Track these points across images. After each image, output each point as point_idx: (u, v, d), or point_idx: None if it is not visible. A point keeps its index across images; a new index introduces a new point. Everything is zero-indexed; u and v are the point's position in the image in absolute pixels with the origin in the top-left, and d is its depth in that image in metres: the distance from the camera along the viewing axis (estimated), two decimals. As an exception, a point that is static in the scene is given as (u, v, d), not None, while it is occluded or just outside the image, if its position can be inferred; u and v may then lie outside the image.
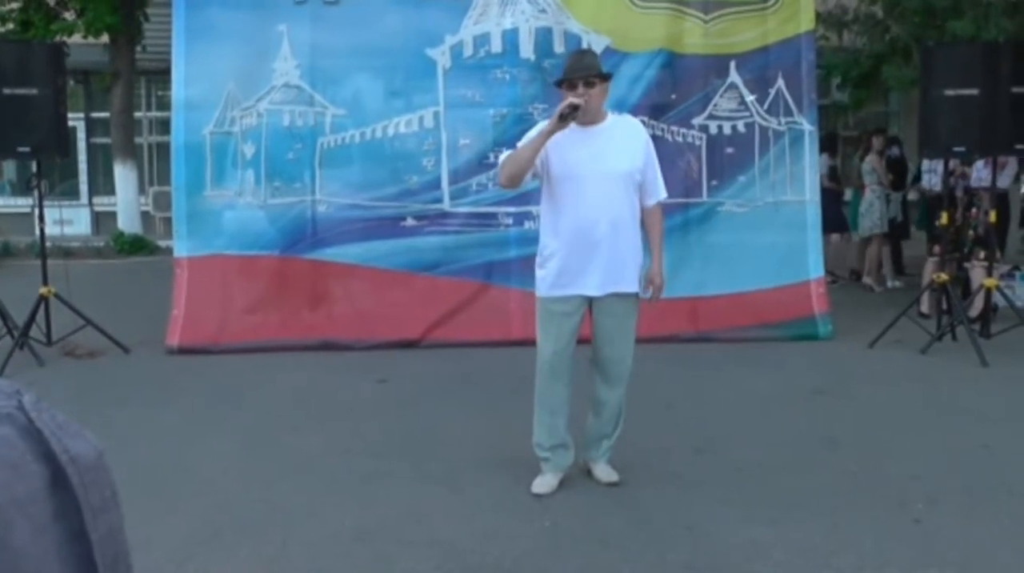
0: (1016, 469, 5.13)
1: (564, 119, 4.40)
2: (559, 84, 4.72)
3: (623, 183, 4.62)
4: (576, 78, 4.59)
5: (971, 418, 6.18)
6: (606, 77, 4.74)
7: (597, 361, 4.77)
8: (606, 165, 4.58)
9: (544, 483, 4.74)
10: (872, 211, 11.76)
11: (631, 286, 4.68)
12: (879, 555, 4.01)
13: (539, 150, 4.50)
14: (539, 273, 4.73)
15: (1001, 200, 9.70)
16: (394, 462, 5.24)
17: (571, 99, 4.42)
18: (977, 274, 9.11)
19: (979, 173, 9.70)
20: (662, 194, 4.83)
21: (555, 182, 4.59)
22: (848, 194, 12.68)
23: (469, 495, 4.74)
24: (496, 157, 8.42)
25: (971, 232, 9.56)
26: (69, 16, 16.22)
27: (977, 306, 8.81)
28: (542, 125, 4.62)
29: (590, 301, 4.66)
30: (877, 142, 12.02)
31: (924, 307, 9.38)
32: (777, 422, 6.06)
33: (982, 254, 9.04)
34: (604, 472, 4.86)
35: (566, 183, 4.56)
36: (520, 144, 4.62)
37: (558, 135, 4.50)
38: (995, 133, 7.86)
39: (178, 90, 8.44)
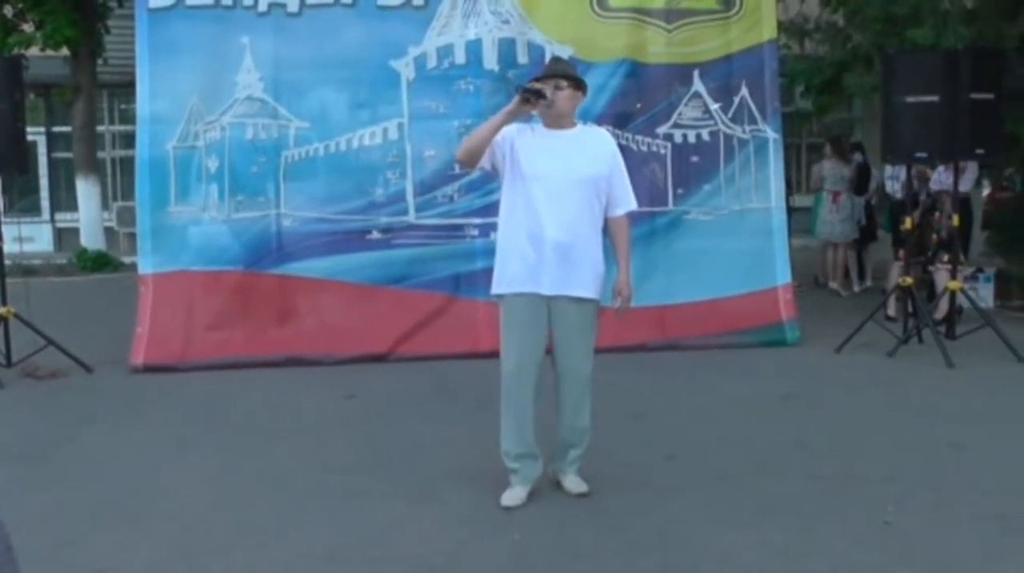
0: (985, 469, 5.17)
1: (526, 103, 4.46)
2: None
3: (587, 188, 4.63)
4: (544, 79, 4.63)
5: (939, 419, 6.23)
6: (578, 84, 4.74)
7: (557, 370, 4.75)
8: (572, 169, 4.59)
9: (514, 496, 4.71)
10: (844, 218, 11.85)
11: (586, 291, 4.66)
12: (851, 558, 4.01)
13: (498, 129, 4.54)
14: (495, 272, 4.74)
15: (963, 204, 9.79)
16: (364, 478, 5.20)
17: (537, 85, 4.50)
18: (942, 277, 9.19)
19: (940, 177, 9.79)
20: (632, 204, 4.83)
21: (520, 181, 4.59)
22: (795, 200, 12.69)
23: (439, 509, 4.71)
24: (461, 168, 8.41)
25: (935, 236, 9.65)
26: (28, 28, 16.06)
27: (942, 309, 8.88)
28: (507, 129, 4.65)
29: (548, 305, 4.63)
30: (828, 149, 12.20)
31: (890, 311, 9.46)
32: (747, 428, 6.07)
33: (946, 257, 9.12)
34: (573, 483, 4.84)
35: (531, 183, 4.56)
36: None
37: (528, 136, 4.57)
38: (956, 139, 7.94)
39: (142, 105, 8.37)
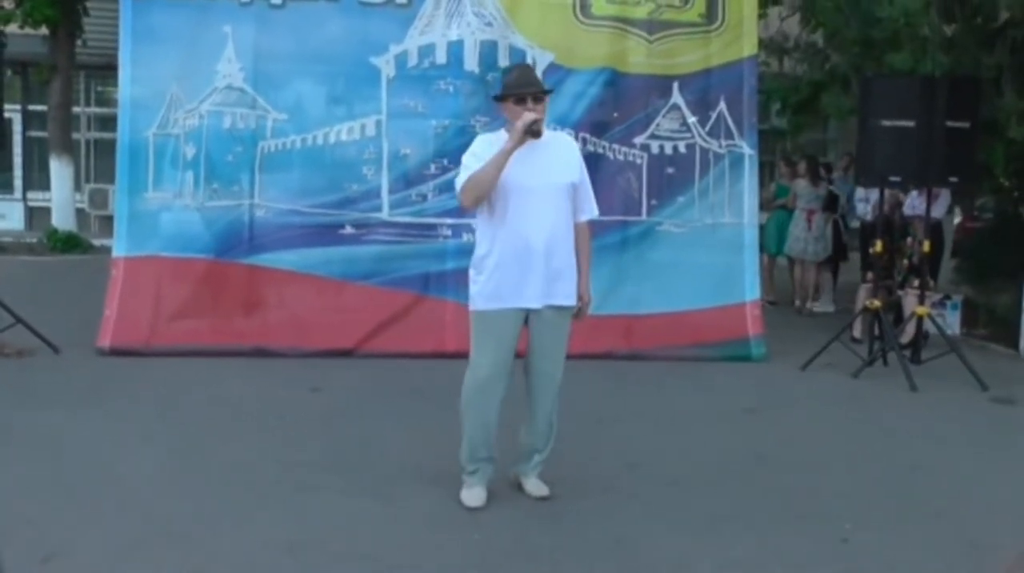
0: (943, 491, 5.24)
1: (528, 135, 4.43)
2: (503, 98, 4.71)
3: (564, 196, 4.66)
4: (527, 93, 4.61)
5: (900, 440, 6.30)
6: (550, 93, 4.77)
7: (531, 375, 4.75)
8: (550, 178, 4.60)
9: (476, 496, 4.70)
10: (818, 236, 11.93)
11: (568, 299, 4.69)
12: (806, 571, 4.05)
13: (503, 169, 4.48)
14: (475, 286, 4.69)
15: (935, 230, 9.88)
16: (325, 473, 5.19)
17: (533, 115, 4.46)
18: (910, 302, 9.27)
19: (913, 202, 9.88)
20: (594, 212, 4.88)
21: (499, 193, 4.56)
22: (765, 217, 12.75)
23: (400, 508, 4.71)
24: (436, 168, 8.43)
25: (905, 261, 9.73)
26: (7, 4, 15.93)
27: (909, 332, 8.95)
28: (482, 143, 4.64)
29: (527, 315, 4.65)
30: (801, 167, 12.28)
31: (856, 332, 9.52)
32: (708, 439, 6.11)
33: (916, 282, 9.20)
34: (535, 486, 4.85)
35: (511, 195, 4.54)
36: (478, 167, 4.53)
37: (500, 148, 4.53)
38: (930, 165, 8.00)
39: (124, 90, 8.38)
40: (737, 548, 4.28)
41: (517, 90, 4.65)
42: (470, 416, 4.72)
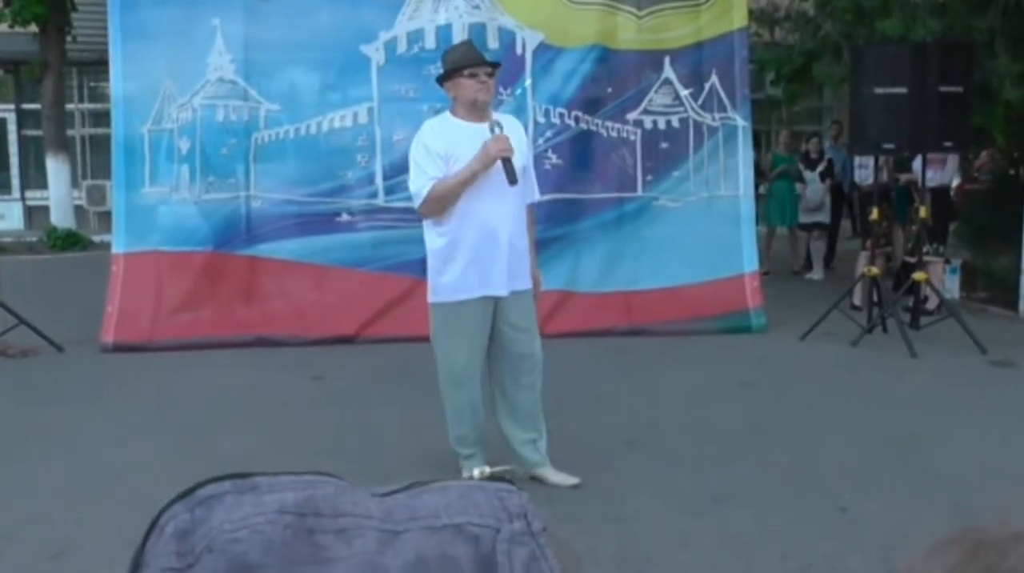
0: (941, 459, 5.26)
1: (494, 163, 4.38)
2: (450, 75, 4.57)
3: (520, 180, 4.56)
4: (479, 67, 4.52)
5: (899, 409, 6.31)
6: (498, 66, 4.76)
7: (508, 363, 4.71)
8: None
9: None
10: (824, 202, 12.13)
11: (528, 282, 4.70)
12: (804, 544, 4.10)
13: (468, 185, 4.41)
14: (442, 277, 4.60)
15: (944, 196, 9.90)
16: (328, 460, 5.21)
17: (506, 152, 4.37)
18: (934, 270, 9.33)
19: (932, 173, 9.90)
20: (536, 195, 4.91)
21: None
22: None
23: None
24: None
25: (914, 227, 9.70)
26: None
27: (932, 299, 8.95)
28: (431, 133, 4.57)
29: (495, 302, 4.61)
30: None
31: (856, 300, 9.53)
32: (708, 414, 6.14)
33: (925, 249, 9.25)
34: (560, 477, 4.77)
35: (473, 183, 4.47)
36: (442, 182, 4.45)
37: (451, 136, 4.48)
38: (924, 131, 8.01)
39: (116, 88, 8.44)
40: (737, 523, 4.32)
41: (469, 65, 4.53)
42: (455, 400, 4.72)
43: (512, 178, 4.38)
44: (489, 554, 0.60)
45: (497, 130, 4.42)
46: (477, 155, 4.41)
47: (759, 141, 13.17)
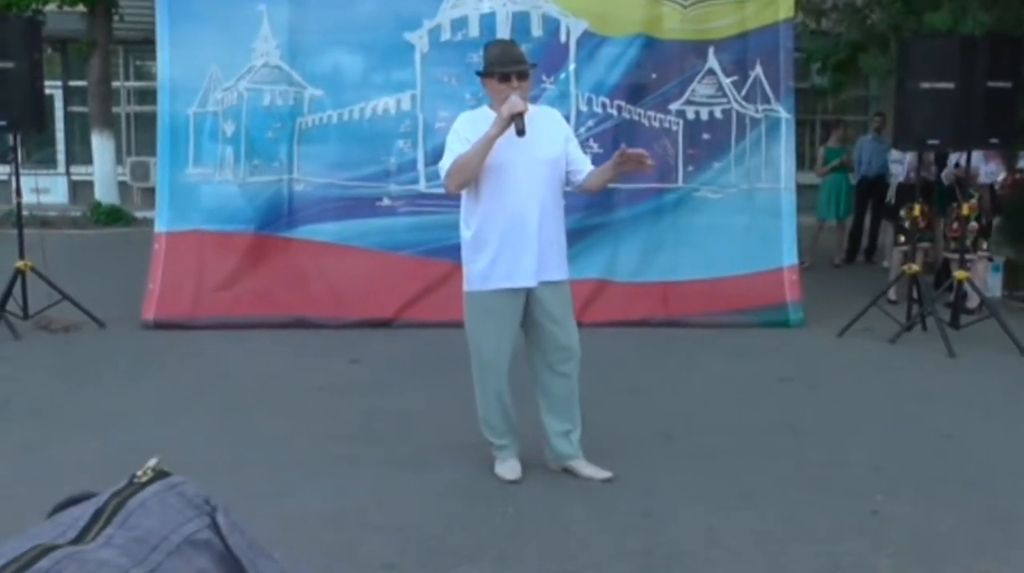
0: (977, 460, 5.21)
1: (510, 124, 4.36)
2: (486, 75, 4.63)
3: (550, 170, 4.60)
4: (511, 71, 4.54)
5: (935, 408, 6.26)
6: (534, 67, 4.76)
7: (545, 352, 4.73)
8: (535, 153, 4.51)
9: (511, 469, 4.76)
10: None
11: (562, 274, 4.71)
12: (834, 544, 4.08)
13: (487, 155, 4.44)
14: (470, 267, 4.66)
15: (989, 191, 9.79)
16: (363, 445, 5.29)
17: (516, 106, 4.35)
18: (980, 267, 9.23)
19: (987, 168, 9.78)
20: (589, 165, 4.80)
21: (486, 173, 4.51)
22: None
23: (435, 480, 4.80)
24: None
25: (972, 223, 9.49)
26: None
27: (973, 297, 8.87)
28: (465, 122, 4.61)
29: (526, 293, 4.63)
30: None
31: (892, 294, 9.47)
32: (742, 410, 6.13)
33: (984, 245, 9.17)
34: (593, 470, 4.79)
35: (498, 172, 4.49)
36: (462, 152, 4.49)
37: (487, 123, 4.47)
38: (969, 127, 7.91)
39: (163, 72, 8.56)
40: (766, 521, 4.32)
41: (500, 68, 4.57)
42: (486, 390, 4.75)
43: (520, 129, 4.35)
44: (223, 552, 0.63)
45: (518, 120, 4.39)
46: (494, 121, 4.44)
47: (803, 130, 13.23)
